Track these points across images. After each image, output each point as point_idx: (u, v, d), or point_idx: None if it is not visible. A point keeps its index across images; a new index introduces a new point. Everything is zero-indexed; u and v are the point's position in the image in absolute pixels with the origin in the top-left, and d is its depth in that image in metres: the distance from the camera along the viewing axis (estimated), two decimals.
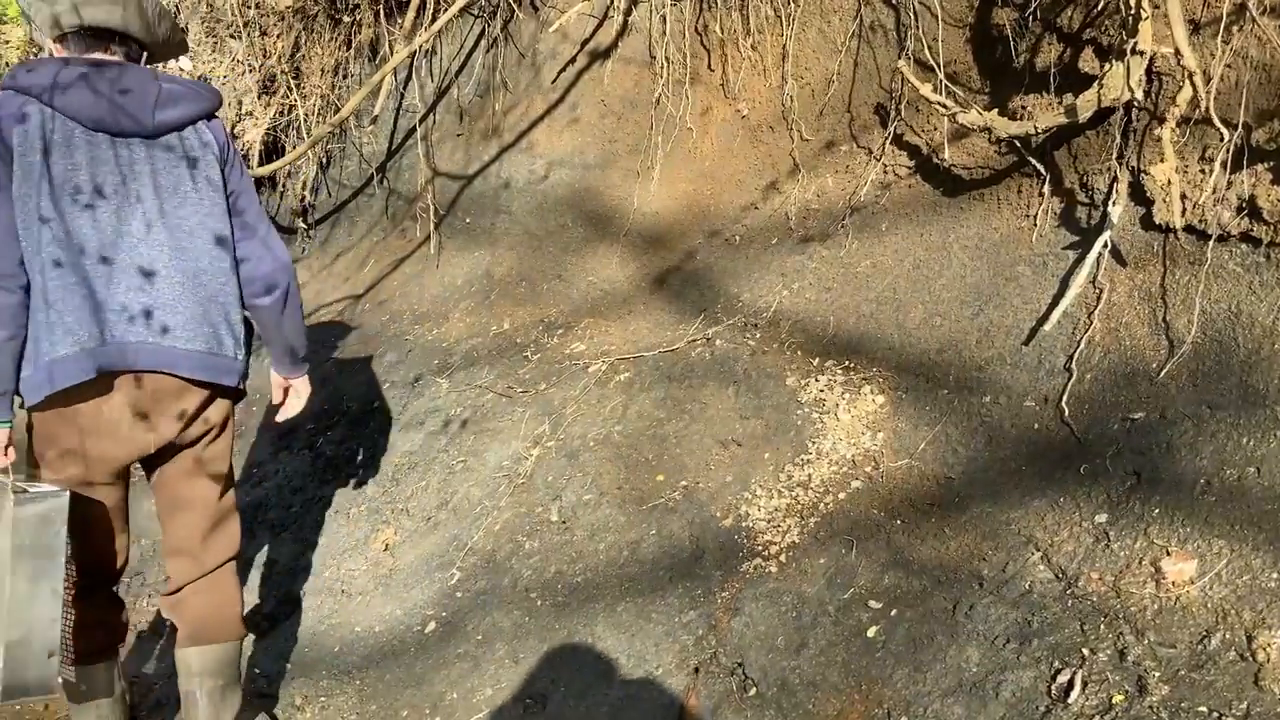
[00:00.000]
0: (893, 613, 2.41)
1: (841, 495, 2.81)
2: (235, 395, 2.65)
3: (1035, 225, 2.97)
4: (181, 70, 5.81)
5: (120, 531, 2.61)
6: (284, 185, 6.18)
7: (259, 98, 5.80)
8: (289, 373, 2.84)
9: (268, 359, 2.87)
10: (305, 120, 5.71)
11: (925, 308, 3.11)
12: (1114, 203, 2.73)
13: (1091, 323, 2.69)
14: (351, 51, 5.64)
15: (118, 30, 2.44)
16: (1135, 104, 2.72)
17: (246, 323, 2.67)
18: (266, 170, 5.50)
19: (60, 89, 2.32)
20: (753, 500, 2.93)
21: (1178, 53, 2.43)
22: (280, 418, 2.92)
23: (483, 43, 5.11)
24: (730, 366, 3.40)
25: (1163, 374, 2.49)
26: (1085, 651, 2.07)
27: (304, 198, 5.94)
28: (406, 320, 4.78)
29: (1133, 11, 2.61)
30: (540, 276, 4.49)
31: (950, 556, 2.47)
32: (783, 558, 2.71)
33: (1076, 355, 2.67)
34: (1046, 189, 2.97)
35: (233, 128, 5.88)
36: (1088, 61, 2.92)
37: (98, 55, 2.43)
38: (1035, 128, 2.89)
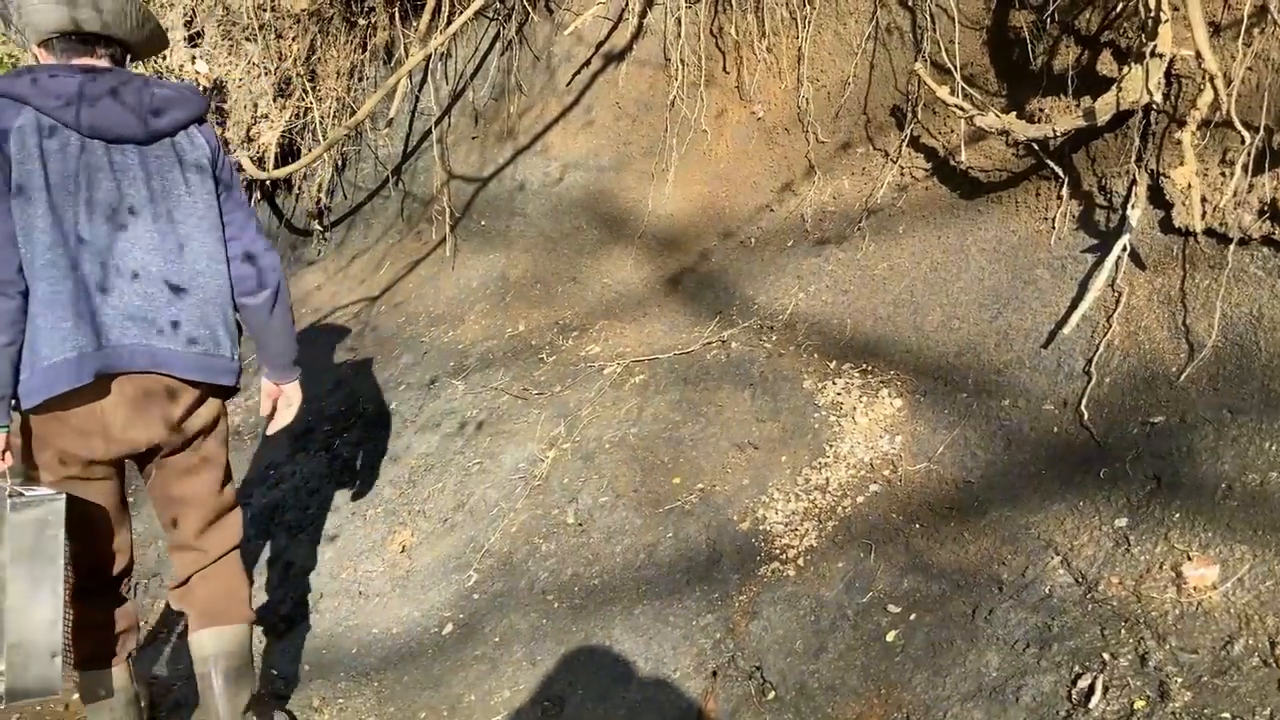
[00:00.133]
0: (912, 617, 2.41)
1: (859, 499, 2.80)
2: (229, 393, 2.69)
3: (1053, 228, 2.97)
4: (198, 73, 5.84)
5: (119, 532, 2.64)
6: (300, 188, 6.20)
7: (275, 100, 5.81)
8: (280, 378, 2.85)
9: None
10: (321, 123, 5.73)
11: (943, 310, 3.11)
12: (1133, 206, 2.72)
13: (1110, 326, 2.68)
14: (367, 54, 5.66)
15: (102, 34, 2.47)
16: (1154, 107, 2.71)
17: (238, 323, 2.71)
18: (282, 173, 5.53)
19: (54, 96, 2.35)
20: (770, 504, 2.93)
21: (1199, 55, 2.42)
22: (271, 429, 2.92)
23: (498, 45, 5.12)
24: (746, 369, 3.40)
25: (1183, 378, 2.48)
26: (1106, 656, 2.07)
27: (320, 200, 5.95)
28: (422, 322, 4.79)
29: (1152, 14, 2.60)
30: (555, 278, 4.50)
31: (969, 560, 2.47)
32: (800, 561, 2.71)
33: (1095, 359, 2.66)
34: (1065, 192, 2.96)
35: (248, 130, 5.91)
36: (1106, 64, 2.91)
37: (87, 61, 2.46)
38: (1053, 131, 2.88)
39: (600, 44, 4.59)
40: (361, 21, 5.57)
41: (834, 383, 3.17)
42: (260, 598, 3.64)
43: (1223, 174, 2.57)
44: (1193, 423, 2.38)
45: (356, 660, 3.17)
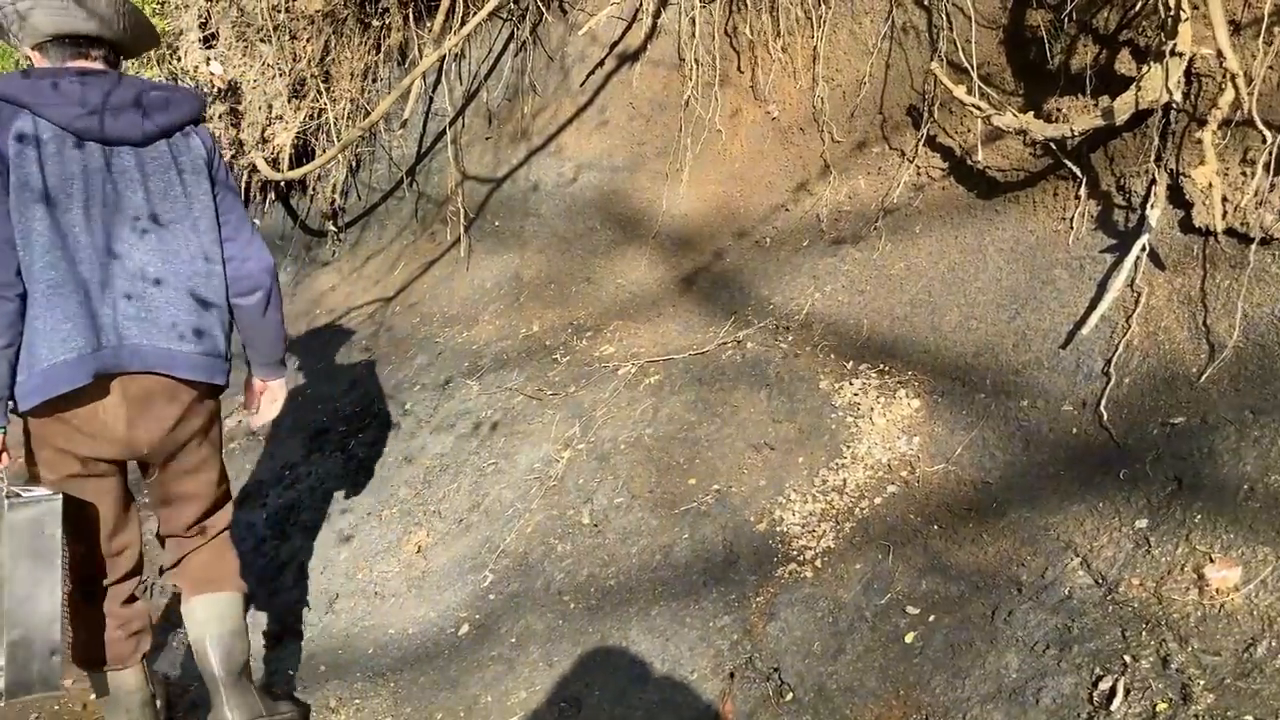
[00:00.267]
0: (930, 618, 2.40)
1: (877, 500, 2.79)
2: (221, 391, 2.74)
3: (1072, 228, 2.95)
4: (212, 74, 5.86)
5: (125, 531, 2.66)
6: (314, 189, 6.21)
7: (289, 101, 5.83)
8: (269, 375, 2.91)
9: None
10: (335, 124, 5.74)
11: (961, 311, 3.10)
12: (1152, 205, 2.71)
13: (1130, 326, 2.67)
14: (381, 55, 5.67)
15: (95, 36, 2.49)
16: (1174, 106, 2.70)
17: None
18: (297, 174, 5.55)
19: (50, 99, 2.38)
20: (787, 505, 2.92)
21: (1219, 54, 2.40)
22: (257, 424, 3.00)
23: (511, 46, 5.12)
24: (762, 369, 3.40)
25: (1203, 378, 2.46)
26: (1127, 659, 2.05)
27: (334, 201, 5.97)
28: (436, 323, 4.80)
29: (1172, 13, 2.59)
30: (569, 279, 4.50)
31: (988, 562, 2.46)
32: (818, 563, 2.71)
33: (1115, 359, 2.65)
34: (1083, 192, 2.95)
35: (263, 131, 5.92)
36: (1124, 63, 2.90)
37: (81, 63, 2.49)
38: (1071, 130, 2.87)
39: (614, 44, 4.59)
40: (376, 23, 5.58)
41: (851, 383, 3.16)
42: (276, 598, 3.65)
43: (1244, 173, 2.56)
44: (1214, 423, 2.37)
45: (373, 661, 3.18)
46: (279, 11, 5.72)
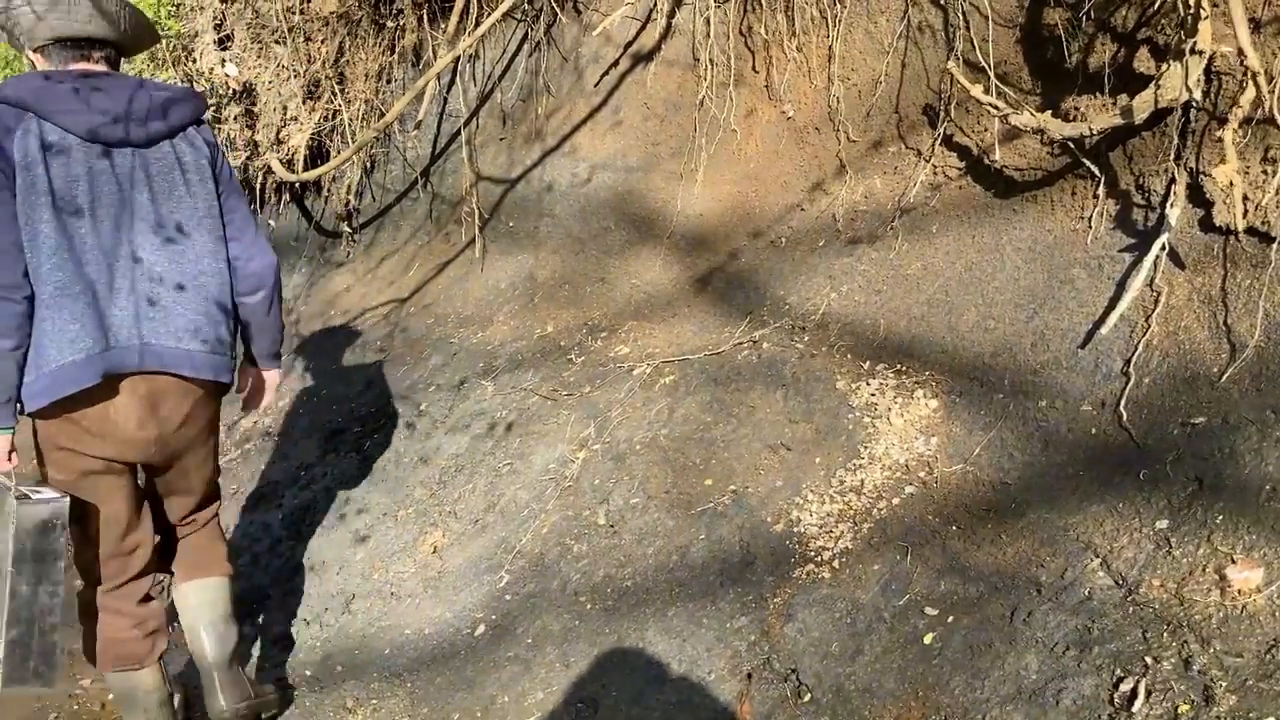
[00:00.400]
0: (949, 619, 2.39)
1: (895, 500, 2.79)
2: (228, 389, 2.79)
3: (1090, 228, 2.94)
4: (228, 76, 5.88)
5: (136, 530, 2.69)
6: (329, 190, 6.22)
7: (304, 103, 5.84)
8: (267, 366, 2.99)
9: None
10: (350, 125, 5.75)
11: (978, 311, 3.08)
12: (1172, 204, 2.69)
13: (1149, 326, 2.65)
14: (395, 56, 5.68)
15: (96, 38, 2.51)
16: (1194, 104, 2.68)
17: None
18: (312, 175, 5.56)
19: (54, 102, 2.40)
20: (804, 505, 2.92)
21: (1240, 52, 2.39)
22: (250, 408, 3.12)
23: (525, 47, 5.13)
24: (778, 370, 3.39)
25: (1224, 378, 2.45)
26: (1148, 660, 2.04)
27: (349, 202, 5.97)
28: (451, 323, 4.81)
29: (1191, 11, 2.57)
30: (583, 279, 4.50)
31: (1007, 563, 2.45)
32: (836, 563, 2.70)
33: (1134, 359, 2.64)
34: (1101, 191, 2.94)
35: (278, 133, 5.94)
36: (1143, 61, 2.88)
37: (83, 66, 2.52)
38: (1089, 129, 2.86)
39: (628, 44, 4.59)
40: (390, 24, 5.59)
41: (868, 383, 3.16)
42: (293, 598, 3.66)
43: (1265, 172, 2.54)
44: (1235, 424, 2.35)
45: (389, 661, 3.19)
46: (294, 13, 5.73)
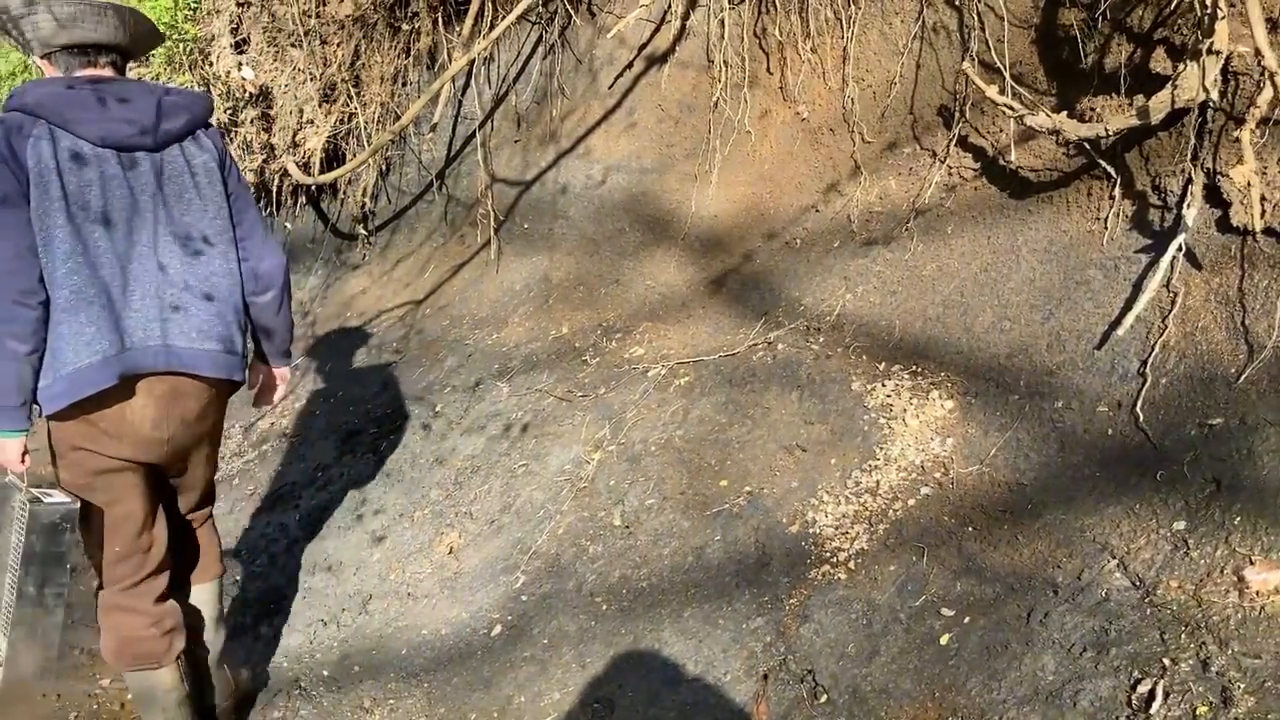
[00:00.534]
0: (965, 620, 2.39)
1: (911, 501, 2.78)
2: (238, 388, 2.83)
3: (1106, 228, 2.93)
4: (244, 79, 5.91)
5: (151, 530, 2.70)
6: (344, 192, 6.25)
7: (319, 106, 5.87)
8: (278, 363, 3.03)
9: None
10: (365, 128, 5.78)
11: (994, 311, 3.08)
12: (1189, 205, 2.69)
13: (1166, 327, 2.65)
14: (410, 59, 5.70)
15: (104, 44, 2.53)
16: (1211, 104, 2.67)
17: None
18: (328, 178, 5.58)
19: (66, 108, 2.42)
20: (819, 506, 2.92)
21: (1258, 52, 2.38)
22: (261, 404, 3.15)
23: (540, 49, 5.14)
24: (793, 371, 3.39)
25: (1242, 379, 2.44)
26: (1166, 661, 2.04)
27: (364, 205, 6.00)
28: (466, 325, 4.82)
29: (1208, 11, 2.57)
30: (598, 281, 4.51)
31: (1023, 564, 2.44)
32: (852, 564, 2.70)
33: (1151, 360, 2.63)
34: (1117, 192, 2.93)
35: (294, 136, 5.97)
36: (1159, 62, 2.87)
37: (91, 72, 2.54)
38: (1105, 130, 2.85)
39: (642, 46, 4.60)
40: (405, 27, 5.61)
41: (883, 384, 3.15)
42: (310, 599, 3.68)
43: None
44: (1253, 425, 2.34)
45: (406, 661, 3.20)
46: (310, 16, 5.76)
